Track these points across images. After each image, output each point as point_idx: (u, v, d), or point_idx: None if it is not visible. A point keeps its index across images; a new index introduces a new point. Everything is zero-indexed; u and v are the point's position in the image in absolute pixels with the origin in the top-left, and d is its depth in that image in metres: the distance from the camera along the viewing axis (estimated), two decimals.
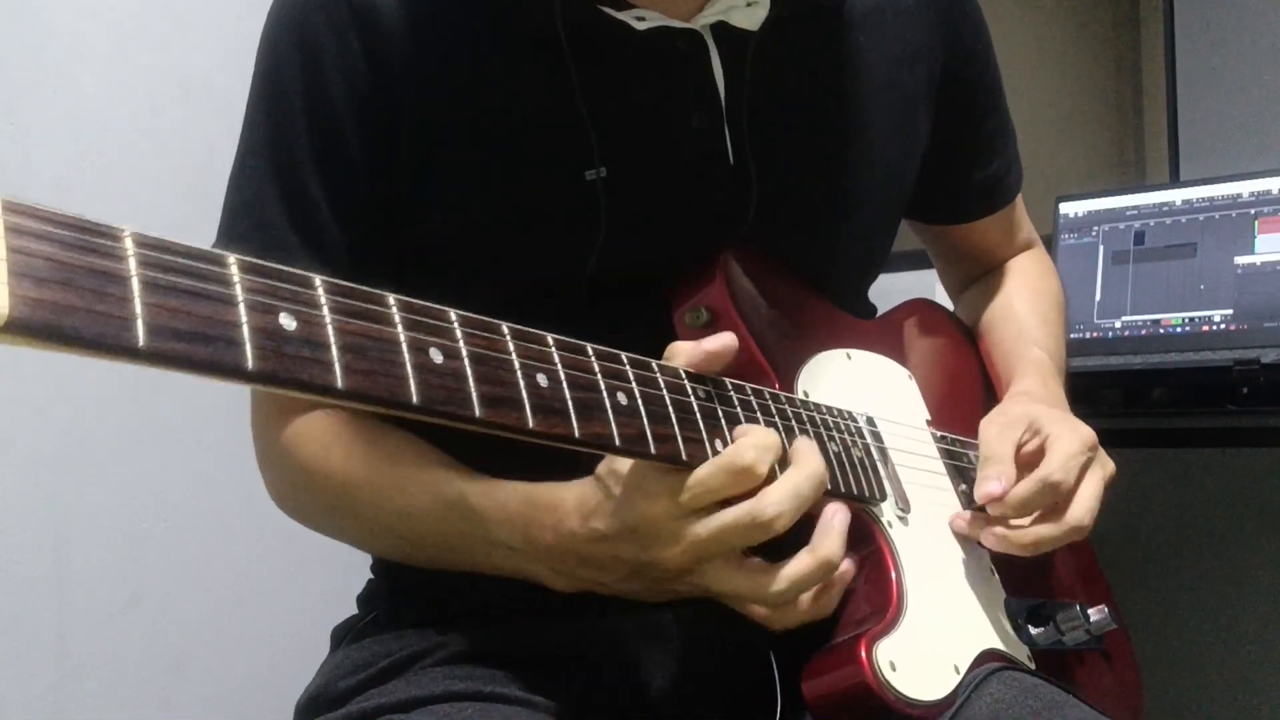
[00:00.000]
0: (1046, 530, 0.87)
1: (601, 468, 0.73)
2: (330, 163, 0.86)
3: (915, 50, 0.99)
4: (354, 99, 0.85)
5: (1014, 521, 0.88)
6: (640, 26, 0.85)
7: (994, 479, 0.88)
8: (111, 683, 1.55)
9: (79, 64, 1.56)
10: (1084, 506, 0.88)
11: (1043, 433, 0.91)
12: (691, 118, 0.88)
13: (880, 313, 1.07)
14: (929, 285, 1.51)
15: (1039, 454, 0.89)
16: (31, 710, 1.49)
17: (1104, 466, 0.92)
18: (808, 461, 0.73)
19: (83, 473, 1.54)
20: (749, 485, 0.69)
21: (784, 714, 0.80)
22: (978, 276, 1.20)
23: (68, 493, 1.53)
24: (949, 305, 1.20)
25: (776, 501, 0.70)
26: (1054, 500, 0.88)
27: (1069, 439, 0.89)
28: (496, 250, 0.88)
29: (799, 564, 0.72)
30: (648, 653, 0.87)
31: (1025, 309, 1.12)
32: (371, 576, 0.99)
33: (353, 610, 0.98)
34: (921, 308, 1.09)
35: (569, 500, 0.75)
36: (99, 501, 1.55)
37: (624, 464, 0.71)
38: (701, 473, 0.69)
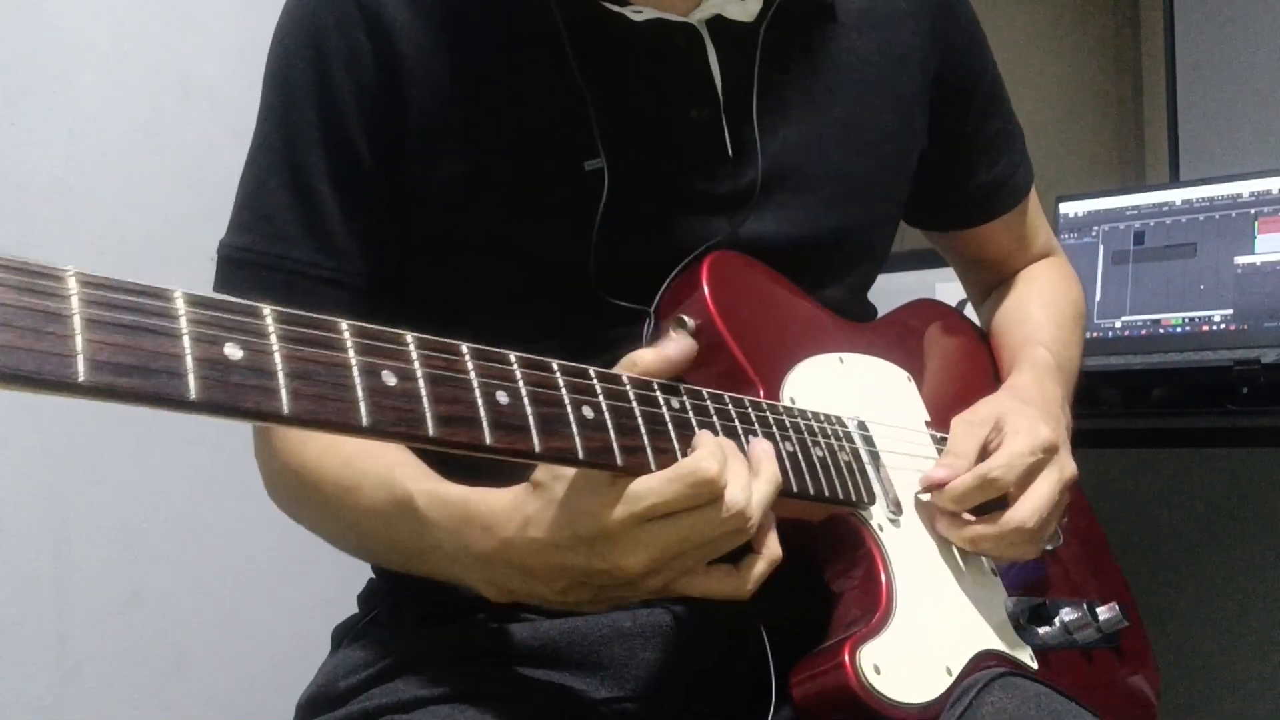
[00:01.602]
0: (982, 529, 0.86)
1: (541, 474, 0.70)
2: (336, 157, 0.88)
3: (908, 51, 1.00)
4: (360, 95, 0.87)
5: (966, 516, 0.87)
6: (637, 18, 0.87)
7: (942, 468, 0.88)
8: (111, 683, 1.55)
9: (79, 64, 1.56)
10: (1028, 508, 0.87)
11: (1003, 431, 0.90)
12: (690, 110, 0.89)
13: (882, 314, 1.07)
14: (929, 285, 1.51)
15: None
16: (31, 710, 1.49)
17: (1061, 469, 0.91)
18: (767, 467, 0.72)
19: (83, 473, 1.54)
20: (711, 497, 0.67)
21: (779, 699, 0.79)
22: (997, 284, 1.20)
23: (68, 493, 1.53)
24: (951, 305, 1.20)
25: (743, 489, 0.69)
26: (992, 495, 0.87)
27: (1022, 438, 0.89)
28: (498, 242, 0.88)
29: (759, 492, 0.72)
30: (647, 650, 0.87)
31: (1040, 314, 1.12)
32: (372, 575, 0.99)
33: (353, 609, 0.99)
34: (926, 308, 1.09)
35: (501, 509, 0.73)
36: (99, 501, 1.55)
37: (568, 470, 0.69)
38: (654, 483, 0.66)
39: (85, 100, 1.56)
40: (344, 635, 0.96)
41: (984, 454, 0.89)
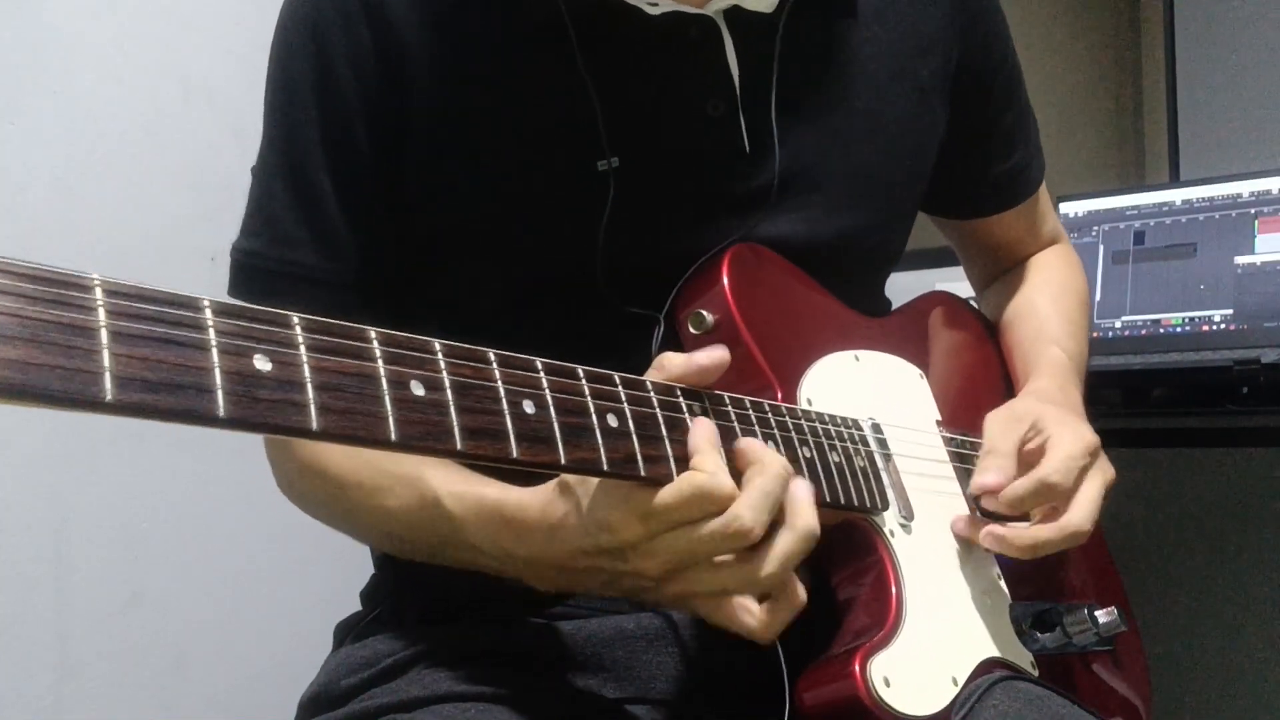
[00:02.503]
0: (1045, 533, 0.86)
1: (570, 477, 0.70)
2: (339, 156, 0.86)
3: (930, 41, 0.98)
4: (363, 92, 0.85)
5: (1013, 524, 0.87)
6: (653, 11, 0.84)
7: (991, 470, 0.87)
8: (111, 683, 1.55)
9: (79, 64, 1.55)
10: (1083, 511, 0.87)
11: (1044, 432, 0.90)
12: (706, 105, 0.88)
13: (896, 307, 1.06)
14: (929, 285, 1.51)
15: (1039, 453, 0.89)
16: (31, 710, 1.48)
17: (1104, 472, 0.91)
18: (769, 461, 0.70)
19: (83, 473, 1.54)
20: (717, 507, 0.66)
21: (793, 707, 0.79)
22: (1002, 272, 1.20)
23: (68, 493, 1.53)
24: None
25: (750, 506, 0.67)
26: (1050, 501, 0.87)
27: (1070, 440, 0.89)
28: (506, 242, 0.87)
29: (783, 542, 0.69)
30: (649, 652, 0.86)
31: (1048, 306, 1.11)
32: (375, 572, 0.99)
33: (355, 606, 0.98)
34: (938, 301, 1.09)
35: (532, 514, 0.73)
36: (99, 501, 1.55)
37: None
38: (664, 498, 0.66)
39: (85, 100, 1.55)
40: (346, 633, 0.96)
41: (1020, 454, 0.89)
